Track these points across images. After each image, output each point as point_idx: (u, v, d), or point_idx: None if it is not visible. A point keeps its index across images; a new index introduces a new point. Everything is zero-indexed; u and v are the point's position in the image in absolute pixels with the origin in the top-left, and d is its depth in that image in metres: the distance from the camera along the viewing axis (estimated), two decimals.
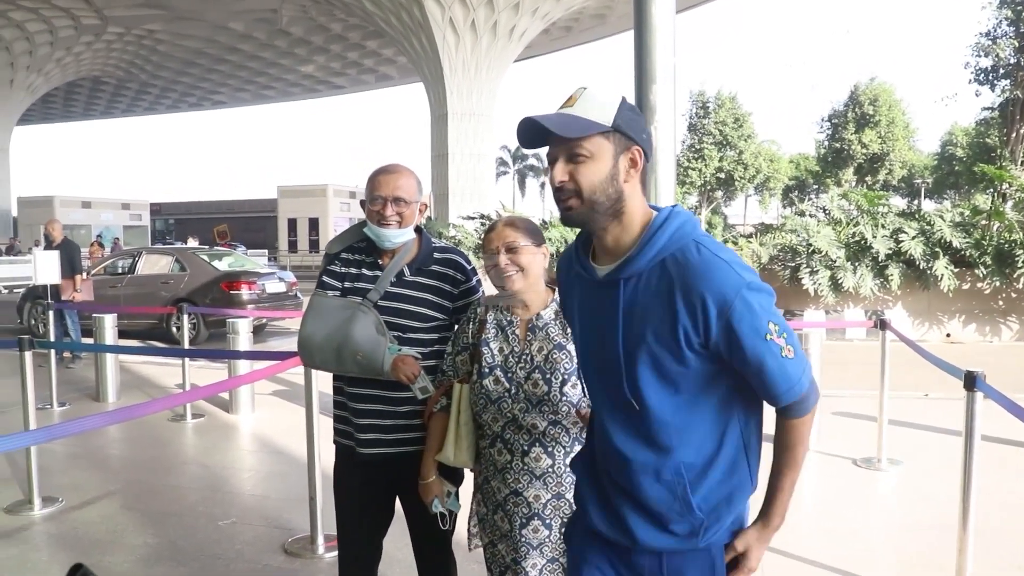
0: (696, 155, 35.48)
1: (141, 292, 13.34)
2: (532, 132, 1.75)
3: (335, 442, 2.89)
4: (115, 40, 44.57)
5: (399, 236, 2.73)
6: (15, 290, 27.80)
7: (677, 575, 1.82)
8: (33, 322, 13.46)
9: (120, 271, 14.21)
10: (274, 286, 13.34)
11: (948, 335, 13.08)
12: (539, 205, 69.27)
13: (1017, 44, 23.79)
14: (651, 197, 4.99)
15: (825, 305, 13.21)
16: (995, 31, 24.31)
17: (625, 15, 41.42)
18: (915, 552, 4.23)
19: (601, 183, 1.72)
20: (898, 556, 4.20)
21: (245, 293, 12.66)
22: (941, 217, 13.57)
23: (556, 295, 2.54)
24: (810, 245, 13.78)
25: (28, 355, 5.19)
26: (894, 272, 12.89)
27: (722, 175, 35.54)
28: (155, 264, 13.86)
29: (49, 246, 11.24)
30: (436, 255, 2.82)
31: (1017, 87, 23.43)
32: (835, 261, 13.23)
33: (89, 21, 40.75)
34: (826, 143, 44.22)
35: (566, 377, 2.42)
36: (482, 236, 2.90)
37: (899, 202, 53.21)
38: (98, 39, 43.86)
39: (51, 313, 10.47)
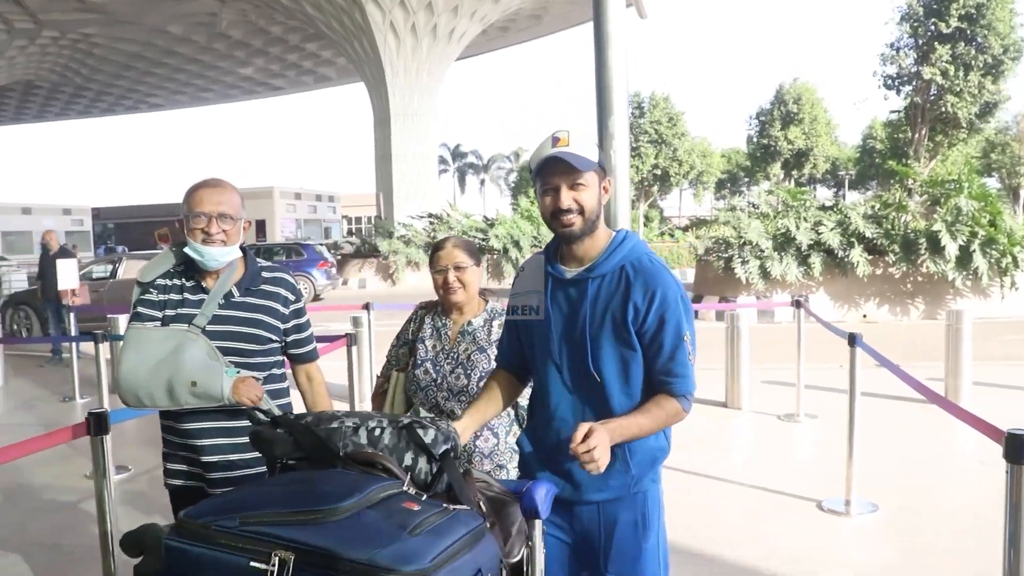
0: (633, 153, 36.91)
1: (123, 296, 14.10)
2: (546, 163, 2.17)
3: (168, 486, 2.69)
4: (49, 44, 44.21)
5: (226, 255, 2.57)
6: None
7: (613, 518, 2.24)
8: (16, 327, 14.16)
9: (97, 276, 14.95)
10: None
11: (864, 316, 14.51)
12: (478, 201, 70.20)
13: (916, 55, 26.02)
14: (609, 209, 6.15)
15: (755, 291, 14.57)
16: (898, 43, 26.58)
17: (559, 16, 42.64)
18: (821, 475, 5.46)
19: (595, 206, 2.20)
20: (808, 479, 5.43)
21: None
22: (855, 210, 15.03)
23: (488, 305, 3.07)
24: (741, 237, 15.14)
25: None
26: (816, 260, 14.29)
27: (658, 171, 37.03)
28: (135, 269, 14.62)
29: (46, 255, 12.03)
30: (264, 274, 2.68)
31: (917, 94, 25.65)
32: (763, 251, 14.60)
33: (23, 25, 40.42)
34: (755, 139, 46.22)
35: (483, 374, 2.86)
36: (432, 246, 3.19)
37: (826, 193, 55.39)
38: (32, 43, 43.42)
39: (51, 314, 11.43)
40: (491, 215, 28.66)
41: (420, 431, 1.82)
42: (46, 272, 11.91)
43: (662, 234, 36.22)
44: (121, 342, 2.62)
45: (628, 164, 6.34)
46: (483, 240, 25.94)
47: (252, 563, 1.48)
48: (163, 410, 2.57)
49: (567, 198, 2.18)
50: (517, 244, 25.94)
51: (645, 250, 2.27)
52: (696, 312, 14.20)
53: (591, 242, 2.24)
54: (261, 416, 2.32)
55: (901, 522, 4.72)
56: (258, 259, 2.73)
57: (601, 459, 1.92)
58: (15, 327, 14.14)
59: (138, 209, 65.88)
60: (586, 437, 1.93)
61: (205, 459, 2.55)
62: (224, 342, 2.51)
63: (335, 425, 1.84)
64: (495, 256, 26.03)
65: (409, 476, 1.79)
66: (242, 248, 2.66)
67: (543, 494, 1.87)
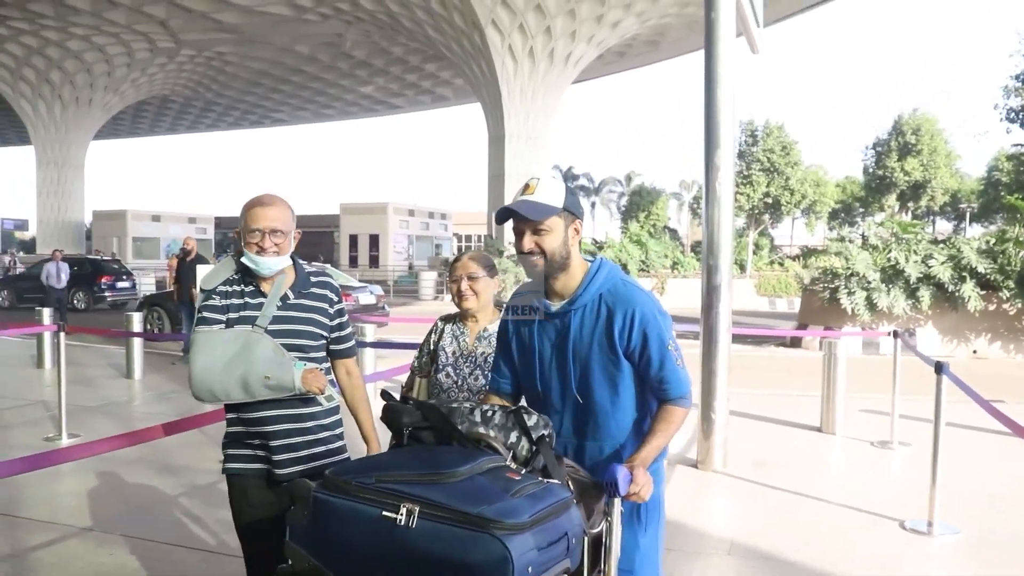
0: (745, 181, 36.55)
1: None
2: (504, 214, 2.43)
3: (228, 471, 2.91)
4: (186, 62, 46.55)
5: (278, 264, 2.85)
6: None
7: None
8: (149, 326, 15.21)
9: None
10: (366, 298, 15.03)
11: (975, 351, 14.27)
12: (589, 224, 70.37)
13: None
14: (714, 233, 6.50)
15: (861, 323, 14.49)
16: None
17: (676, 41, 42.69)
18: (907, 499, 5.62)
19: (558, 248, 2.43)
20: (894, 501, 5.60)
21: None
22: (968, 244, 14.79)
23: (502, 313, 3.40)
24: (849, 268, 15.06)
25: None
26: (924, 294, 14.14)
27: (769, 200, 36.64)
28: None
29: (185, 258, 13.00)
30: (312, 278, 2.97)
31: None
32: (870, 283, 14.52)
33: (164, 44, 42.77)
34: (870, 170, 45.26)
35: None
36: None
37: (946, 227, 53.71)
38: (171, 61, 45.84)
39: (184, 316, 12.37)
40: (600, 238, 28.96)
41: (525, 416, 2.18)
42: (183, 276, 12.85)
43: (771, 263, 35.86)
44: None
45: (732, 196, 6.67)
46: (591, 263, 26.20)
47: (384, 513, 1.83)
48: (231, 403, 2.86)
49: (529, 242, 2.43)
50: (625, 268, 26.15)
51: (619, 276, 2.53)
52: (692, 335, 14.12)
53: (566, 277, 2.50)
54: (324, 402, 2.80)
55: (982, 545, 4.89)
56: (304, 264, 3.01)
57: (645, 491, 2.19)
58: (149, 326, 15.17)
59: None
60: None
61: (274, 443, 2.82)
62: (285, 339, 2.79)
63: (455, 405, 2.24)
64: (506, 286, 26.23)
65: (511, 453, 2.14)
66: (291, 256, 2.94)
67: (623, 475, 2.09)
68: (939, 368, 4.96)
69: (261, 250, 2.77)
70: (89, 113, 47.64)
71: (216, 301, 2.84)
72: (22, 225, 63.71)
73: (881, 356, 13.76)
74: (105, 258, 32.21)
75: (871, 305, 14.42)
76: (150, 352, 12.96)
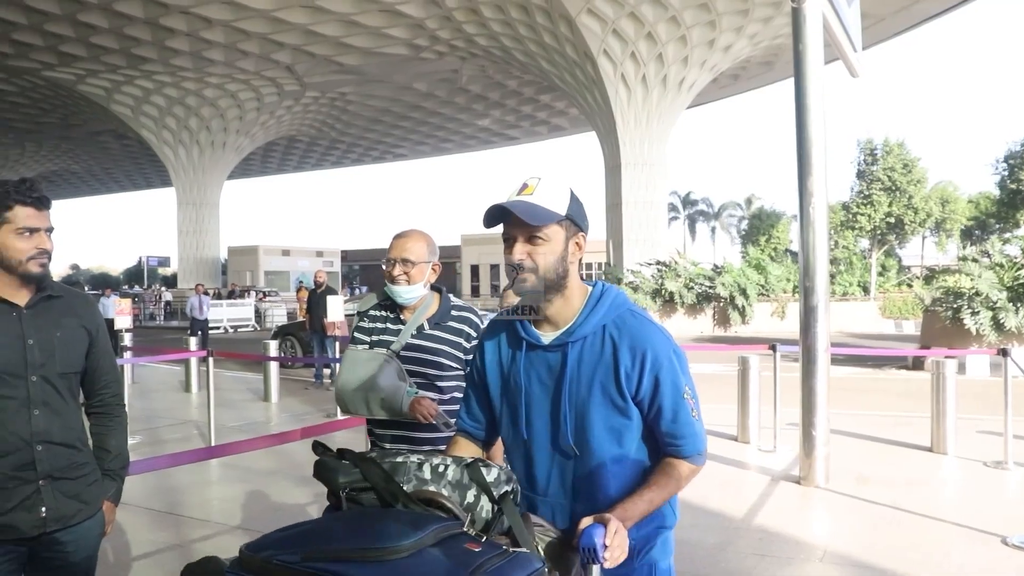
0: (865, 201, 35.62)
1: None
2: (495, 214, 1.99)
3: None
4: (311, 103, 48.67)
5: (408, 292, 3.06)
6: (240, 329, 31.55)
7: None
8: (283, 354, 16.13)
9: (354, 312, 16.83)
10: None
11: None
12: (709, 249, 69.66)
13: None
14: (809, 255, 6.67)
15: (988, 343, 14.08)
16: None
17: (790, 62, 42.06)
18: (1020, 515, 5.65)
19: (554, 263, 1.99)
20: (1001, 518, 5.62)
21: None
22: None
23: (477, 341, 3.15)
24: (973, 287, 14.72)
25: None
26: None
27: (891, 220, 35.59)
28: None
29: (316, 290, 13.83)
30: (454, 312, 3.14)
31: None
32: (995, 302, 14.13)
33: (291, 88, 44.87)
34: (1005, 183, 43.36)
35: None
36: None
37: None
38: (297, 103, 48.01)
39: (316, 344, 13.14)
40: (719, 263, 28.81)
41: (484, 469, 1.86)
42: (314, 306, 13.67)
43: (898, 284, 34.87)
44: None
45: (827, 219, 6.85)
46: (710, 288, 26.15)
47: None
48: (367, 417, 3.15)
49: (520, 252, 2.01)
50: (744, 292, 25.90)
51: (627, 305, 2.10)
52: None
53: (562, 302, 2.07)
54: (443, 428, 2.91)
55: None
56: (452, 297, 3.21)
57: (618, 552, 1.78)
58: (282, 354, 16.10)
59: (380, 252, 70.21)
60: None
61: None
62: (413, 366, 3.03)
63: (400, 459, 1.93)
64: (721, 304, 26.15)
65: (470, 516, 1.81)
66: (437, 288, 3.19)
67: (602, 535, 1.75)
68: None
69: (391, 277, 3.04)
70: (223, 155, 50.24)
71: (365, 323, 3.18)
72: (165, 262, 67.48)
73: (1013, 378, 13.37)
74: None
75: (997, 325, 14.04)
76: (285, 378, 13.81)
